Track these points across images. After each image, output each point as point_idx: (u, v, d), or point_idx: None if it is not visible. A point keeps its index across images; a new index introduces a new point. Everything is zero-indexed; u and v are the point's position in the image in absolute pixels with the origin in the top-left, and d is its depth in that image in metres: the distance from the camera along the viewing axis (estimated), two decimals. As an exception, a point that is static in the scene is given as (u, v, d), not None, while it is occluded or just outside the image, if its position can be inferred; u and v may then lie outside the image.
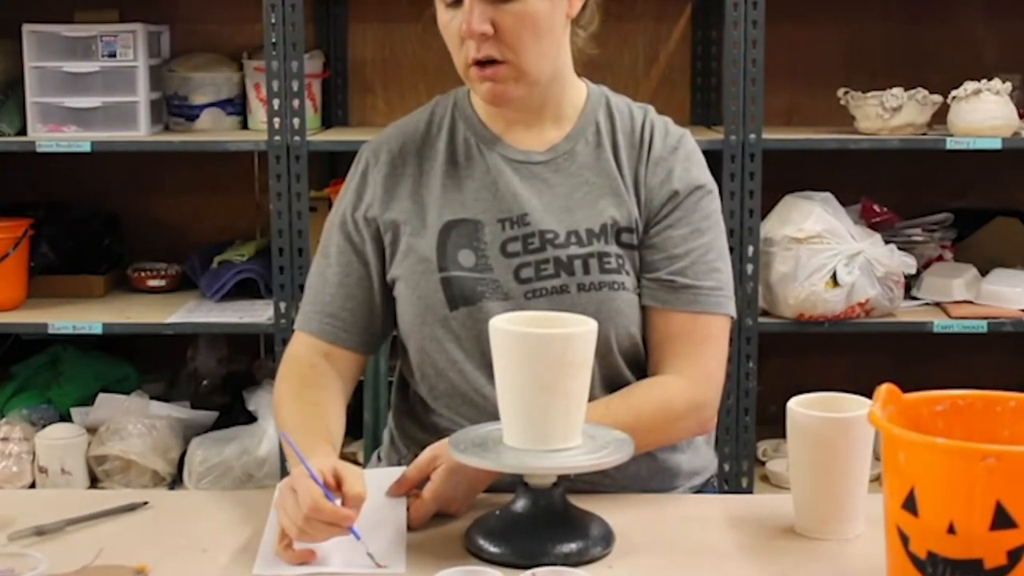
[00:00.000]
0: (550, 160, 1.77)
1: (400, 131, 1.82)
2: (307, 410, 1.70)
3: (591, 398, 1.51)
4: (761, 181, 2.96)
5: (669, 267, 1.72)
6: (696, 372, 1.71)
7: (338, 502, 1.48)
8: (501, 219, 1.73)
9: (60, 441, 3.06)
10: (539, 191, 1.75)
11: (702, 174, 1.77)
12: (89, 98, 3.11)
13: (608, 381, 1.72)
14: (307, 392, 1.73)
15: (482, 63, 1.67)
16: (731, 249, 2.93)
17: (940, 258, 3.25)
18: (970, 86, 2.98)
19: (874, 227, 3.12)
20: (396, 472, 1.63)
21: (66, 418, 3.19)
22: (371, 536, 1.49)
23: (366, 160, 1.82)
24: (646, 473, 1.75)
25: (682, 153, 1.77)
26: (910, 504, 1.22)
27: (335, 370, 1.77)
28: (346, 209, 1.80)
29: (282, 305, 2.97)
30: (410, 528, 1.55)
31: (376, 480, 1.59)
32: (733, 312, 1.75)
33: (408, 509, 1.58)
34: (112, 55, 3.11)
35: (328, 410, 1.71)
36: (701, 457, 1.84)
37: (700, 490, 1.84)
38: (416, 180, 1.77)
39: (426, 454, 1.61)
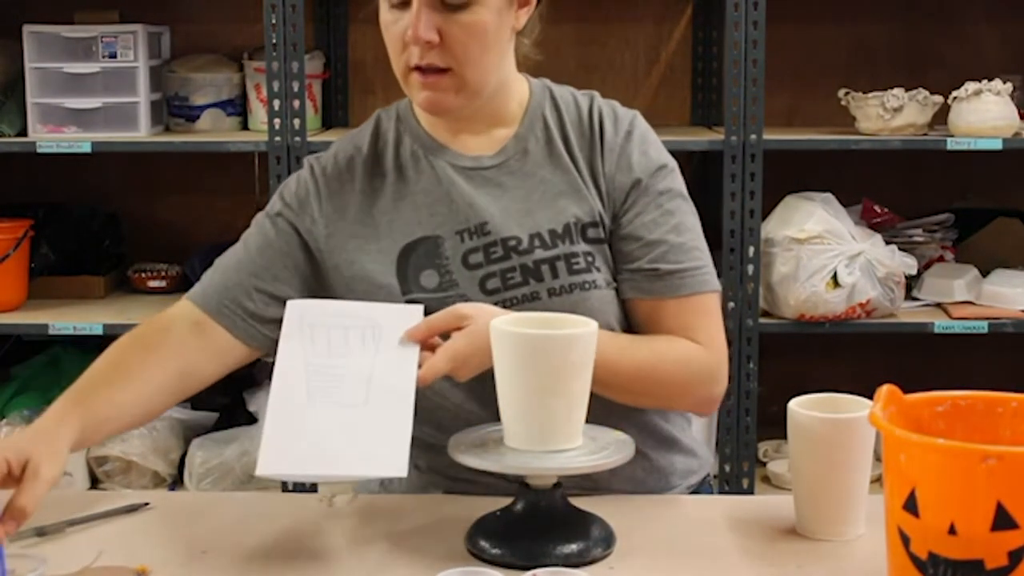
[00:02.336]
0: (502, 163, 1.73)
1: (346, 148, 1.77)
2: (105, 369, 1.63)
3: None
4: (762, 182, 2.96)
5: (648, 255, 1.69)
6: (707, 342, 1.69)
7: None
8: (459, 231, 1.70)
9: (60, 442, 3.06)
10: (495, 197, 1.72)
11: (659, 154, 1.74)
12: (89, 99, 3.11)
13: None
14: (130, 350, 1.65)
15: (423, 69, 1.64)
16: (731, 250, 2.97)
17: (941, 259, 3.25)
18: (971, 86, 2.98)
19: (875, 228, 3.12)
20: (415, 312, 1.57)
21: (66, 419, 3.19)
22: (377, 393, 1.47)
23: (311, 169, 1.76)
24: (641, 474, 1.75)
25: (636, 137, 1.73)
26: (911, 505, 1.22)
27: (200, 343, 1.68)
28: (283, 211, 1.75)
29: (282, 306, 2.97)
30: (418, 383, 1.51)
31: (392, 318, 1.55)
32: (719, 286, 1.74)
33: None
34: (112, 56, 3.11)
35: (134, 377, 1.61)
36: (696, 456, 1.84)
37: (696, 489, 1.83)
38: (365, 200, 1.73)
39: (456, 310, 1.56)
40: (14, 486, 1.42)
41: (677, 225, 1.71)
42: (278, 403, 1.48)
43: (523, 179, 1.73)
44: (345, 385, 1.49)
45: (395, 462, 1.44)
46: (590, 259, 1.69)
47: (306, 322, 1.55)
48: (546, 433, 1.46)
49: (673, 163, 1.75)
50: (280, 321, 1.58)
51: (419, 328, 1.55)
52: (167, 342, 1.68)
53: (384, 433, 1.45)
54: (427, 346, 1.56)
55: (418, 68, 1.65)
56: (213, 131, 3.26)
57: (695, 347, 1.68)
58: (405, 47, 1.65)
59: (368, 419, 1.46)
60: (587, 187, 1.71)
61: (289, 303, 1.58)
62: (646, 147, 1.73)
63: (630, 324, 1.73)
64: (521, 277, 1.68)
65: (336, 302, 1.65)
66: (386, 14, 1.67)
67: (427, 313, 1.65)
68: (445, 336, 1.56)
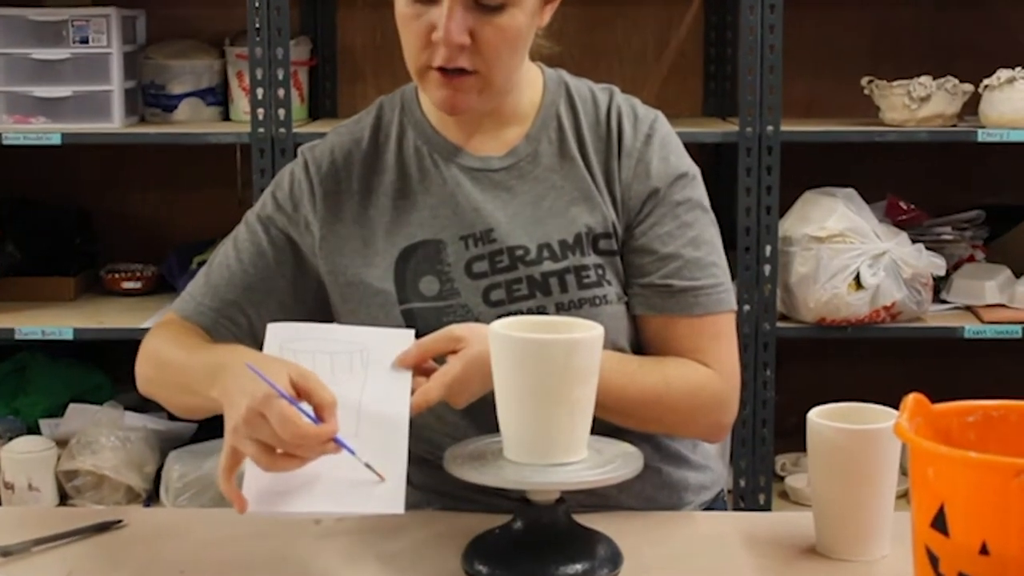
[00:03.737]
0: (511, 165, 1.73)
1: (343, 141, 1.76)
2: (203, 340, 1.65)
3: None
4: (779, 176, 2.96)
5: (662, 270, 1.69)
6: (719, 366, 1.69)
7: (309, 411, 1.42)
8: (464, 236, 1.69)
9: (27, 455, 3.06)
10: (503, 202, 1.71)
11: (680, 161, 1.74)
12: (59, 87, 3.10)
13: None
14: (198, 336, 1.69)
15: (446, 69, 1.63)
16: (746, 249, 2.97)
17: (971, 258, 3.24)
18: (1003, 74, 2.98)
19: (900, 225, 3.12)
20: (406, 337, 1.57)
21: (34, 430, 3.19)
22: (367, 426, 1.47)
23: (305, 165, 1.76)
24: (651, 490, 1.75)
25: (656, 142, 1.72)
26: (940, 523, 1.22)
27: None
28: (276, 216, 1.75)
29: (266, 309, 2.97)
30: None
31: (381, 342, 1.55)
32: (735, 305, 1.74)
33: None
34: (84, 41, 3.10)
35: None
36: (709, 471, 1.84)
37: (710, 506, 1.83)
38: (363, 199, 1.73)
39: (451, 332, 1.55)
40: (298, 401, 1.42)
41: (694, 239, 1.71)
42: None
43: (533, 184, 1.72)
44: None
45: (391, 498, 1.44)
46: (601, 272, 1.69)
47: (288, 347, 1.54)
48: (548, 445, 1.46)
49: (695, 170, 1.75)
50: None
51: (411, 353, 1.55)
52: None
53: (377, 465, 1.45)
54: (420, 371, 1.56)
55: (441, 69, 1.63)
56: (192, 122, 3.26)
57: (706, 373, 1.68)
58: (427, 45, 1.63)
59: (360, 452, 1.45)
60: (601, 194, 1.71)
61: (269, 327, 1.58)
62: (667, 153, 1.73)
63: (638, 340, 1.73)
64: (528, 289, 1.68)
65: (320, 325, 1.64)
66: (405, 7, 1.64)
67: (425, 322, 1.65)
68: (440, 360, 1.56)
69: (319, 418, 1.42)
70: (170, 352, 1.67)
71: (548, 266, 1.68)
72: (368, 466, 1.43)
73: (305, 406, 1.42)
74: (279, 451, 1.40)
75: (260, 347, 1.70)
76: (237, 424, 1.41)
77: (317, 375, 1.45)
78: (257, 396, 1.40)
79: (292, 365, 1.46)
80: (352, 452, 1.42)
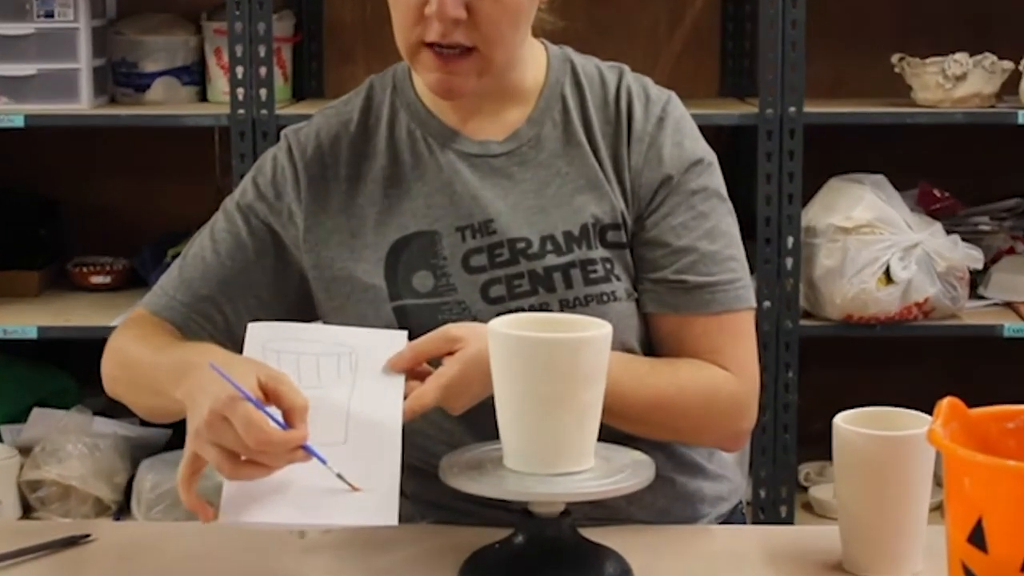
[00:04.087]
0: (512, 151, 1.72)
1: (331, 123, 1.76)
2: (171, 338, 1.65)
3: None
4: (802, 162, 2.96)
5: (675, 264, 1.69)
6: (737, 368, 1.69)
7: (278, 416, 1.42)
8: (461, 227, 1.69)
9: (-12, 464, 3.06)
10: (504, 190, 1.71)
11: (696, 145, 1.73)
12: (22, 65, 3.10)
13: None
14: (168, 330, 1.69)
15: (441, 46, 1.63)
16: (767, 241, 2.97)
17: (1011, 251, 3.24)
18: (1046, 51, 2.98)
19: (934, 215, 3.11)
20: (398, 338, 1.57)
21: (-5, 437, 3.19)
22: (356, 433, 1.47)
23: (289, 149, 1.75)
24: (664, 502, 1.75)
25: (669, 125, 1.72)
26: (977, 537, 1.22)
27: None
28: (256, 204, 1.74)
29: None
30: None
31: (371, 343, 1.55)
32: (755, 302, 1.74)
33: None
34: (49, 15, 3.10)
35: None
36: (727, 481, 1.84)
37: (728, 519, 1.83)
38: (352, 187, 1.72)
39: (446, 332, 1.55)
40: (266, 404, 1.42)
41: (711, 230, 1.70)
42: None
43: (536, 171, 1.72)
44: (319, 421, 1.47)
45: (383, 509, 1.43)
46: (608, 266, 1.69)
47: (270, 348, 1.54)
48: (552, 453, 1.46)
49: (711, 156, 1.75)
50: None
51: (403, 355, 1.55)
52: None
53: (369, 476, 1.45)
54: (414, 374, 1.56)
55: (435, 44, 1.63)
56: (166, 103, 3.26)
57: (722, 376, 1.68)
58: (419, 20, 1.63)
59: (349, 460, 1.45)
60: (609, 182, 1.71)
61: (250, 327, 1.57)
62: (680, 137, 1.72)
63: (649, 340, 1.73)
64: (530, 285, 1.68)
65: (306, 325, 1.64)
66: None
67: (418, 320, 1.65)
68: (435, 363, 1.56)
69: (288, 423, 1.42)
70: (136, 350, 1.67)
71: (552, 260, 1.68)
72: (340, 476, 1.43)
73: (273, 410, 1.42)
74: (243, 458, 1.40)
75: (238, 347, 1.70)
76: (199, 427, 1.41)
77: (289, 377, 1.45)
78: (221, 398, 1.40)
79: (262, 366, 1.46)
80: (323, 461, 1.42)
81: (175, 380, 1.51)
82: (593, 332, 1.46)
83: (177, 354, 1.58)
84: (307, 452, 1.41)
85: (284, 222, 1.74)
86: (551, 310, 1.66)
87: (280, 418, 1.42)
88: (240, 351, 1.68)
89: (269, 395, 1.43)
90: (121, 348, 1.71)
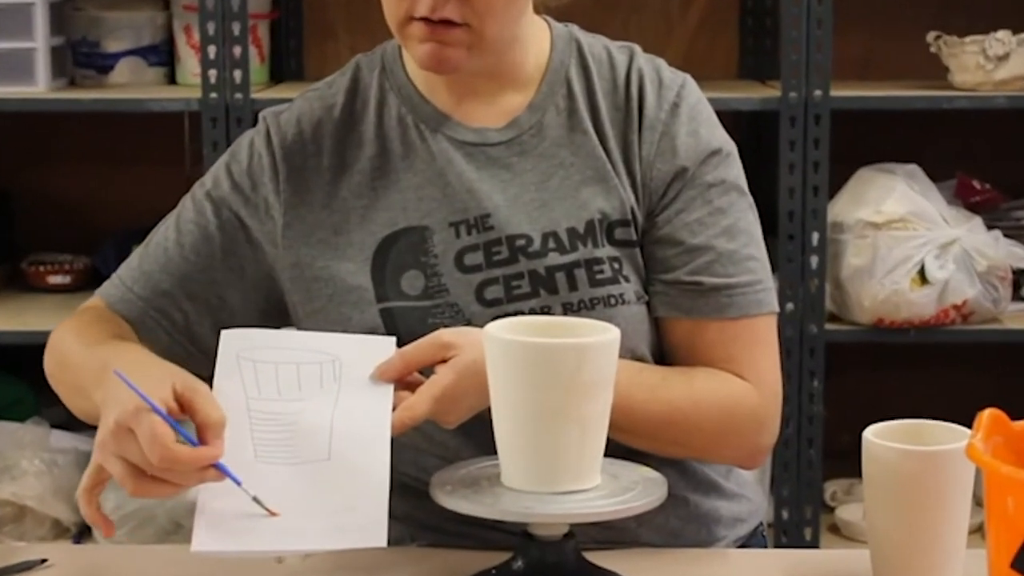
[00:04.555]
0: (512, 139, 1.73)
1: (313, 108, 1.76)
2: (107, 333, 1.65)
3: None
4: (829, 151, 2.96)
5: (690, 264, 1.69)
6: (756, 378, 1.69)
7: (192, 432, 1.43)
8: (454, 222, 1.69)
9: (-64, 481, 3.06)
10: (502, 182, 1.71)
11: (713, 134, 1.74)
12: (-27, 44, 3.11)
13: None
14: (111, 327, 1.68)
15: (432, 21, 1.62)
16: (790, 237, 2.97)
17: (1058, 248, 3.25)
18: (1095, 29, 2.98)
19: (973, 208, 3.12)
20: (386, 344, 1.57)
21: (-57, 452, 3.19)
22: (341, 448, 1.47)
23: (267, 135, 1.75)
24: (676, 523, 1.75)
25: (684, 112, 1.72)
26: (1022, 562, 1.22)
27: None
28: (229, 196, 1.74)
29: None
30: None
31: (356, 350, 1.55)
32: (776, 305, 1.74)
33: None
34: (2, -11, 3.11)
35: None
36: (746, 500, 1.84)
37: (747, 543, 1.83)
38: (335, 178, 1.72)
39: (439, 338, 1.55)
40: (179, 417, 1.44)
41: (729, 227, 1.71)
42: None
43: (538, 161, 1.72)
44: (300, 436, 1.48)
45: (370, 530, 1.44)
46: (616, 266, 1.69)
47: (246, 357, 1.54)
48: (554, 469, 1.46)
49: (730, 146, 1.75)
50: (217, 342, 1.58)
51: (392, 363, 1.55)
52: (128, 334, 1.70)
53: (354, 495, 1.45)
54: (403, 384, 1.56)
55: (425, 19, 1.63)
56: (131, 85, 3.26)
57: (741, 386, 1.68)
58: None
59: (332, 478, 1.46)
60: (618, 174, 1.71)
61: (224, 333, 1.57)
62: (696, 125, 1.73)
63: (661, 347, 1.73)
64: (530, 287, 1.68)
65: (286, 332, 1.64)
66: None
67: (407, 325, 1.66)
68: (427, 372, 1.56)
69: (201, 440, 1.43)
70: (71, 346, 1.68)
71: (554, 259, 1.68)
72: (256, 500, 1.43)
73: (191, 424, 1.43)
74: (150, 474, 1.42)
75: (198, 350, 1.70)
76: (104, 438, 1.43)
77: (207, 389, 1.46)
78: (128, 408, 1.41)
79: (181, 374, 1.47)
80: (237, 482, 1.43)
81: (96, 382, 1.52)
82: (599, 337, 1.46)
83: (103, 353, 1.59)
84: (220, 471, 1.42)
85: (260, 216, 1.74)
86: (553, 314, 1.66)
87: (192, 434, 1.43)
88: (200, 354, 1.69)
89: (184, 407, 1.44)
90: (59, 342, 1.71)
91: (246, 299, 1.74)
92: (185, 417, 1.43)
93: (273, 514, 1.43)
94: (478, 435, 1.58)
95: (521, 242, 1.69)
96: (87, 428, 3.26)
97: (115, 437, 1.42)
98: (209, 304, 1.73)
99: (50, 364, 1.73)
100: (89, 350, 1.63)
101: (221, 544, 1.43)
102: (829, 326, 3.03)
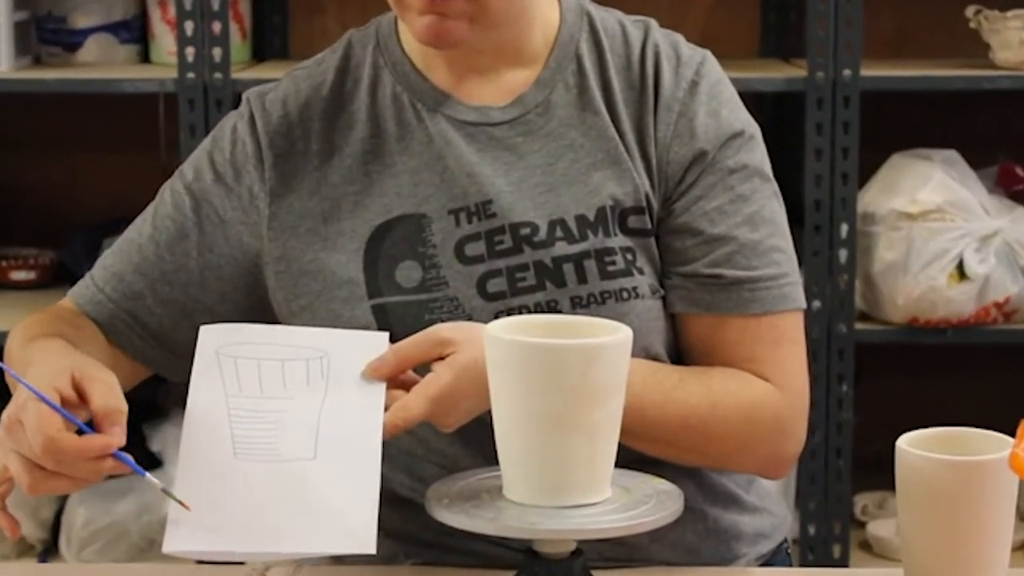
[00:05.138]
0: (516, 118, 1.73)
1: (301, 87, 1.76)
2: (48, 330, 1.66)
3: None
4: (859, 135, 2.96)
5: (709, 256, 1.69)
6: (781, 380, 1.69)
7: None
8: (454, 209, 1.69)
9: None
10: (505, 165, 1.71)
11: (735, 115, 1.74)
12: (-71, 20, 3.11)
13: None
14: (58, 325, 1.69)
15: None
16: (816, 229, 2.97)
17: (1108, 241, 3.25)
18: None
19: (1016, 198, 3.11)
20: (378, 340, 1.57)
21: (-102, 463, 3.19)
22: (328, 450, 1.48)
23: (251, 118, 1.75)
24: (693, 539, 1.75)
25: (704, 91, 1.73)
26: (1067, 582, 1.22)
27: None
28: (211, 188, 1.74)
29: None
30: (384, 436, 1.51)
31: (346, 346, 1.56)
32: (803, 302, 1.74)
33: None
34: (-40, -40, 3.11)
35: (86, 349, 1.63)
36: (769, 514, 1.84)
37: (770, 560, 1.83)
38: (325, 163, 1.72)
39: (436, 333, 1.55)
40: (78, 408, 1.46)
41: (752, 216, 1.71)
42: (192, 459, 1.49)
43: (545, 142, 1.72)
44: (284, 435, 1.49)
45: (358, 535, 1.44)
46: (630, 257, 1.69)
47: (225, 354, 1.55)
48: (561, 481, 1.46)
49: (753, 128, 1.75)
50: (195, 343, 1.58)
51: (385, 360, 1.55)
52: (92, 341, 1.71)
53: (342, 497, 1.46)
54: (397, 383, 1.56)
55: None
56: (101, 64, 3.26)
57: (765, 389, 1.69)
58: None
59: (319, 479, 1.46)
60: (632, 158, 1.71)
61: (203, 329, 1.58)
62: (717, 105, 1.73)
63: (678, 346, 1.73)
64: (536, 279, 1.68)
65: (268, 327, 1.64)
66: None
67: (402, 321, 1.66)
68: (423, 370, 1.56)
69: (98, 429, 1.45)
70: (11, 347, 1.69)
71: (562, 249, 1.68)
72: (166, 491, 1.44)
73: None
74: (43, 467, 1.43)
75: (173, 354, 1.70)
76: (1, 435, 1.46)
77: (110, 375, 1.48)
78: (19, 401, 1.44)
79: (84, 363, 1.49)
80: (141, 473, 1.44)
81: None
82: (609, 338, 1.46)
83: (30, 352, 1.60)
84: (119, 461, 1.43)
85: (243, 207, 1.73)
86: (561, 309, 1.66)
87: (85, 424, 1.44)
88: (176, 358, 1.69)
89: (80, 395, 1.46)
90: (8, 344, 1.71)
91: (224, 300, 1.74)
92: (83, 405, 1.45)
93: (185, 507, 1.44)
94: (477, 443, 1.58)
95: (526, 230, 1.69)
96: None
97: (8, 431, 1.44)
98: (184, 307, 1.73)
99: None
100: (22, 351, 1.64)
101: (194, 544, 1.44)
102: (859, 326, 3.03)
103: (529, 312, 1.66)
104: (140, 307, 1.74)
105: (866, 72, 2.97)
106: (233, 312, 1.73)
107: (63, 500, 3.13)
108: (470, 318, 1.65)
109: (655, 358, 1.69)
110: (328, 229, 1.71)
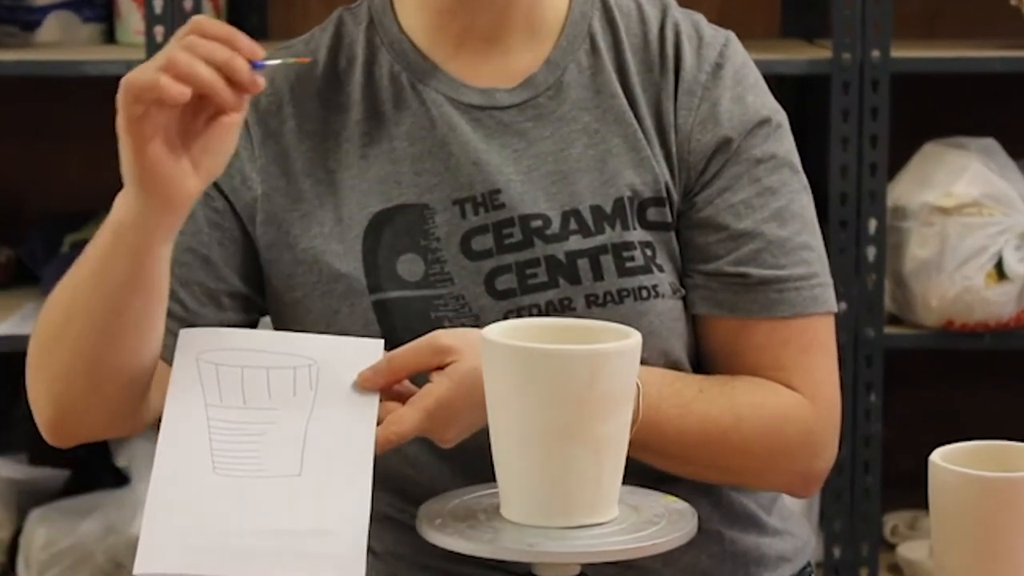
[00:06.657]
0: (526, 101, 1.73)
1: (290, 66, 1.76)
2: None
3: None
4: (889, 122, 2.96)
5: (734, 253, 1.70)
6: (810, 390, 1.70)
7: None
8: (459, 199, 1.70)
9: None
10: (515, 152, 1.72)
11: (762, 101, 1.74)
12: None
13: None
14: None
15: None
16: (842, 224, 2.97)
17: None
18: None
19: (1059, 191, 3.12)
20: (372, 348, 1.57)
21: None
22: (314, 465, 1.48)
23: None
24: (709, 562, 1.75)
25: (728, 74, 1.73)
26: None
27: None
28: None
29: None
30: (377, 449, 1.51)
31: (337, 353, 1.56)
32: (835, 304, 1.74)
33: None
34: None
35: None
36: (791, 536, 1.84)
37: (793, 585, 1.85)
38: (318, 148, 1.73)
39: (434, 340, 1.55)
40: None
41: (780, 211, 1.71)
42: (166, 472, 1.49)
43: (557, 127, 1.73)
44: (268, 449, 1.49)
45: (347, 559, 1.44)
46: (649, 253, 1.69)
47: (207, 360, 1.55)
48: (564, 500, 1.46)
49: (781, 116, 1.76)
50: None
51: (378, 369, 1.55)
52: None
53: (329, 517, 1.46)
54: (391, 394, 1.56)
55: None
56: (62, 44, 3.27)
57: (792, 399, 1.69)
58: None
59: (304, 496, 1.46)
60: (651, 145, 1.71)
61: (182, 333, 1.58)
62: (742, 90, 1.74)
63: (699, 350, 1.74)
64: (548, 275, 1.68)
65: (253, 331, 1.65)
66: None
67: (404, 318, 1.67)
68: (420, 380, 1.56)
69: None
70: (48, 310, 1.63)
71: (576, 243, 1.69)
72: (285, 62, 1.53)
73: None
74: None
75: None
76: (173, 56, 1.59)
77: None
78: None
79: None
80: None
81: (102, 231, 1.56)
82: (618, 343, 1.46)
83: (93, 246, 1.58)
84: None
85: (236, 187, 1.71)
86: (575, 308, 1.67)
87: None
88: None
89: None
90: (37, 326, 1.65)
91: (248, 281, 1.73)
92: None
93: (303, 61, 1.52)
94: (471, 460, 1.58)
95: (537, 223, 1.69)
96: (14, 450, 3.29)
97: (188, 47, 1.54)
98: (206, 287, 1.72)
99: (36, 353, 1.65)
100: (67, 278, 1.61)
101: (167, 566, 1.44)
102: (889, 330, 3.03)
103: (540, 312, 1.67)
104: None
105: (896, 53, 2.98)
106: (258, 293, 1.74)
107: (22, 519, 3.13)
108: (477, 317, 1.65)
109: (675, 363, 1.70)
110: (323, 215, 1.71)
